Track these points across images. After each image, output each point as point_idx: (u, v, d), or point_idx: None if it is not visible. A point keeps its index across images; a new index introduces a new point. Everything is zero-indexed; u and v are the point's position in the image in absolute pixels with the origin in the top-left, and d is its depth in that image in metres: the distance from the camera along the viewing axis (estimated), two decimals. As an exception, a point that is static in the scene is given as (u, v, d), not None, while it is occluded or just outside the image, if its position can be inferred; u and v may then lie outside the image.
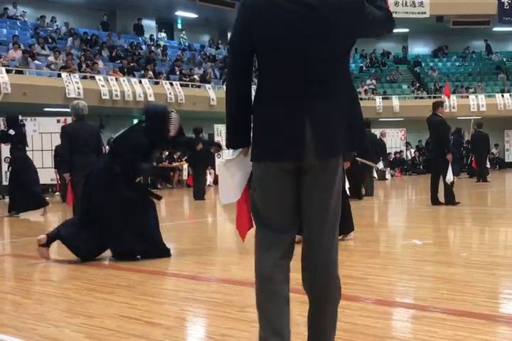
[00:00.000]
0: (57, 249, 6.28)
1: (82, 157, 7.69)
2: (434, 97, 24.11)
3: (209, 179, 15.73)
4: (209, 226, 9.41)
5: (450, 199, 10.26)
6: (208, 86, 20.74)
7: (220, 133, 18.44)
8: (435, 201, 10.40)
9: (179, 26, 27.86)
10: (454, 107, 24.53)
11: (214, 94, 20.09)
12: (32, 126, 14.77)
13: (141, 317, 3.60)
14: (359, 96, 26.08)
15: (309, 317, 2.51)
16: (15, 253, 6.31)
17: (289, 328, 2.43)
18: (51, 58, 18.18)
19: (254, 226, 2.52)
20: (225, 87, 2.60)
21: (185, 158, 16.43)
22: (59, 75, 17.07)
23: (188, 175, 17.08)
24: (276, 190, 2.42)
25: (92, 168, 5.97)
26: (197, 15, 26.16)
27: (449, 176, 10.24)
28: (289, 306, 2.44)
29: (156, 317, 3.59)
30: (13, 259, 6.08)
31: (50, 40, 20.19)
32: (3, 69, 15.69)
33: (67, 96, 16.44)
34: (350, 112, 2.43)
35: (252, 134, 2.47)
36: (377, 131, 17.55)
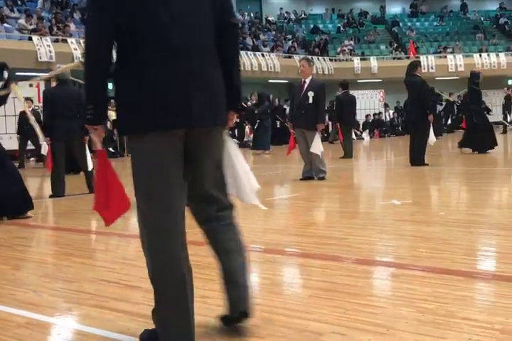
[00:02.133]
0: (33, 214, 6.21)
1: (64, 122, 7.55)
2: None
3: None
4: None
5: (420, 160, 10.18)
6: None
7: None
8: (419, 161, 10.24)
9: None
10: (432, 67, 24.50)
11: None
12: (4, 91, 14.43)
13: (120, 280, 3.57)
14: (337, 57, 25.56)
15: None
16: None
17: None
18: (21, 21, 17.67)
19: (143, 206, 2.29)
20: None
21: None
22: (30, 39, 16.63)
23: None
24: (169, 160, 2.26)
25: None
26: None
27: (432, 137, 10.20)
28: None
29: (136, 280, 3.56)
30: (-11, 226, 5.99)
31: (19, 3, 19.62)
32: (-28, 32, 15.26)
33: (39, 60, 16.05)
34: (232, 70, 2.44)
35: (127, 102, 2.26)
36: (355, 93, 17.46)
